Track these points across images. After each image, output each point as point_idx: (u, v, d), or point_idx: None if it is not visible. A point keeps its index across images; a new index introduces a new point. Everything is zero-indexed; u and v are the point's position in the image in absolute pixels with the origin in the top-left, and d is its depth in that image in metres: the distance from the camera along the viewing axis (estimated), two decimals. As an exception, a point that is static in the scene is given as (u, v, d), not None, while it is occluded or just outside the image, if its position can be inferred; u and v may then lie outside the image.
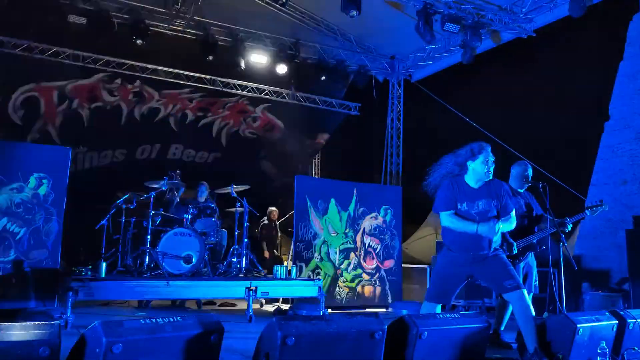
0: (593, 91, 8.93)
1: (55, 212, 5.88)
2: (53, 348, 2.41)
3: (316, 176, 13.31)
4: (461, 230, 3.75)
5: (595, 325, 3.72)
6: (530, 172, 4.95)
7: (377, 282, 7.89)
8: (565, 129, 8.92)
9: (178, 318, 2.82)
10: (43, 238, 5.80)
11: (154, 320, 2.73)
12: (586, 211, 4.88)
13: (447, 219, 3.81)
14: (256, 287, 6.06)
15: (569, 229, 4.80)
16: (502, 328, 4.75)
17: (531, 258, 4.84)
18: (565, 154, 8.96)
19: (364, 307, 7.56)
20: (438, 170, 3.94)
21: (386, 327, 3.18)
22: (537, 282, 4.88)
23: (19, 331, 2.39)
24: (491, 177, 3.84)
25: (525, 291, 3.68)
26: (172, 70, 10.26)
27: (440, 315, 3.48)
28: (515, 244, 4.58)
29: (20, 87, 9.29)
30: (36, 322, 2.47)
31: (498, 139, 8.50)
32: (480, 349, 3.62)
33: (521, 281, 4.56)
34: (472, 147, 3.83)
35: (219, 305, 7.61)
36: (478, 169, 3.79)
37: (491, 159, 3.81)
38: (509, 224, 3.86)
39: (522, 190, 4.95)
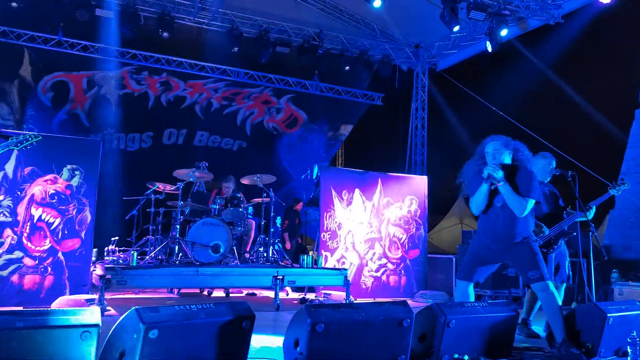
0: (623, 78, 8.75)
1: (88, 203, 6.04)
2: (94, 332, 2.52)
3: (340, 167, 13.34)
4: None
5: (626, 314, 3.70)
6: (554, 164, 4.91)
7: (403, 271, 7.91)
8: (595, 117, 8.77)
9: (211, 305, 2.89)
10: (76, 228, 5.96)
11: (187, 306, 2.81)
12: (609, 191, 4.81)
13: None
14: (283, 276, 6.15)
15: (592, 213, 4.75)
16: (531, 317, 4.74)
17: (563, 247, 4.81)
18: (594, 143, 8.82)
19: (390, 297, 7.59)
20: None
21: (414, 315, 3.21)
22: (570, 272, 4.85)
23: (62, 316, 2.50)
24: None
25: (550, 282, 3.65)
26: (198, 62, 10.38)
27: (468, 304, 3.49)
28: (548, 231, 4.59)
29: (52, 72, 9.54)
30: (78, 307, 2.57)
31: (526, 128, 8.41)
32: (508, 338, 3.63)
33: (552, 271, 4.56)
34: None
35: (245, 295, 7.73)
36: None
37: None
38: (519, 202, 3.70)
39: (546, 181, 4.93)
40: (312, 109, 11.78)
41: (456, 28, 8.71)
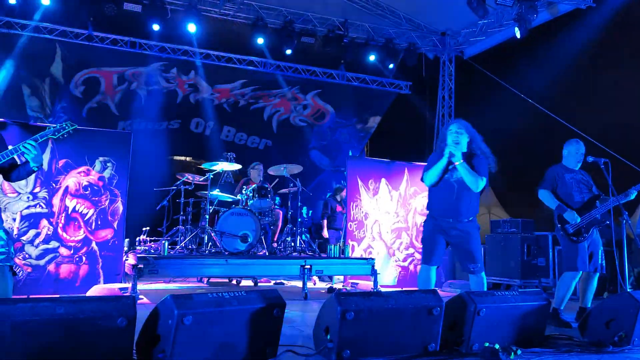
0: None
1: (120, 194, 6.18)
2: (130, 319, 2.59)
3: (366, 156, 13.30)
4: None
5: (661, 304, 3.62)
6: (583, 149, 4.85)
7: (430, 261, 7.87)
8: (628, 105, 8.54)
9: (242, 292, 2.95)
10: (109, 218, 6.11)
11: (220, 294, 2.87)
12: None
13: None
14: (311, 266, 6.19)
15: (633, 196, 4.68)
16: (562, 307, 4.68)
17: (596, 235, 4.74)
18: (629, 131, 8.59)
19: (417, 286, 7.56)
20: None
21: (444, 303, 3.21)
22: (604, 261, 4.78)
23: (107, 302, 2.58)
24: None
25: (484, 274, 4.07)
26: (224, 54, 10.45)
27: (499, 293, 3.48)
28: (578, 219, 4.54)
29: (82, 70, 9.75)
30: (114, 296, 2.65)
31: (556, 116, 8.25)
32: (540, 327, 3.60)
33: (585, 260, 4.53)
34: None
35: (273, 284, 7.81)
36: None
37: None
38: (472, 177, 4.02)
39: (576, 168, 4.86)
40: (339, 102, 11.77)
41: (484, 14, 8.56)
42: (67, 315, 2.49)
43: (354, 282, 7.41)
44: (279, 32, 9.97)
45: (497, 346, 3.11)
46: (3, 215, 3.37)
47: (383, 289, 6.58)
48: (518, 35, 9.06)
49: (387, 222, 7.69)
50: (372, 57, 10.74)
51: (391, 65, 11.24)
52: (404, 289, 6.70)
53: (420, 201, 7.92)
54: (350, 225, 7.46)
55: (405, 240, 7.77)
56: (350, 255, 7.07)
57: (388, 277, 7.54)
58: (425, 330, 3.17)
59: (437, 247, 4.17)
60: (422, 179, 4.30)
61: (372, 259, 6.72)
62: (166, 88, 10.46)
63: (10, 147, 3.16)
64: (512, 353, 3.10)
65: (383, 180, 7.74)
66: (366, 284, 7.09)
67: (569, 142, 4.98)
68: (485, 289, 4.03)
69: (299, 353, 3.11)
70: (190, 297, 2.75)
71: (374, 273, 6.52)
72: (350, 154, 11.85)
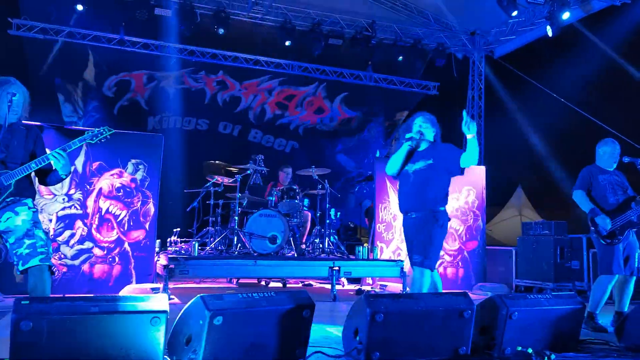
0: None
1: (151, 195, 6.29)
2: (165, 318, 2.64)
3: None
4: None
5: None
6: (618, 149, 4.73)
7: (460, 263, 7.79)
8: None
9: (272, 293, 2.96)
10: (141, 219, 6.23)
11: (250, 294, 2.89)
12: None
13: None
14: (339, 267, 6.19)
15: None
16: (598, 311, 4.57)
17: (632, 238, 4.61)
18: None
19: (447, 289, 7.49)
20: None
21: (475, 306, 3.17)
22: None
23: (133, 302, 2.63)
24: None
25: (428, 271, 3.80)
26: (252, 56, 10.55)
27: (532, 296, 3.41)
28: (609, 225, 4.44)
29: (113, 75, 9.99)
30: (151, 294, 2.70)
31: (591, 116, 8.06)
32: (574, 331, 3.52)
33: (620, 263, 4.39)
34: None
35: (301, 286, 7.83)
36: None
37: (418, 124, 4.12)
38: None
39: (611, 169, 4.74)
40: (366, 106, 11.75)
41: (514, 13, 8.42)
42: (102, 314, 2.54)
43: (383, 284, 7.37)
44: (306, 34, 10.00)
45: (530, 350, 3.06)
46: (40, 217, 3.47)
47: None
48: (550, 33, 8.88)
49: (416, 224, 7.62)
50: (400, 58, 10.68)
51: (420, 66, 11.16)
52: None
53: (450, 203, 7.80)
54: (379, 226, 7.42)
55: (434, 242, 7.68)
56: (379, 257, 7.04)
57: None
58: (455, 333, 3.13)
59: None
60: (386, 169, 4.23)
61: (401, 260, 6.68)
62: (195, 87, 10.64)
63: (47, 152, 3.25)
64: (546, 357, 3.04)
65: (412, 181, 7.67)
66: (395, 286, 7.04)
67: (603, 141, 4.86)
68: (425, 291, 3.76)
69: (328, 354, 3.11)
70: (221, 298, 2.78)
71: (403, 275, 6.47)
72: (378, 154, 11.80)
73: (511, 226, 11.81)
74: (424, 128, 4.09)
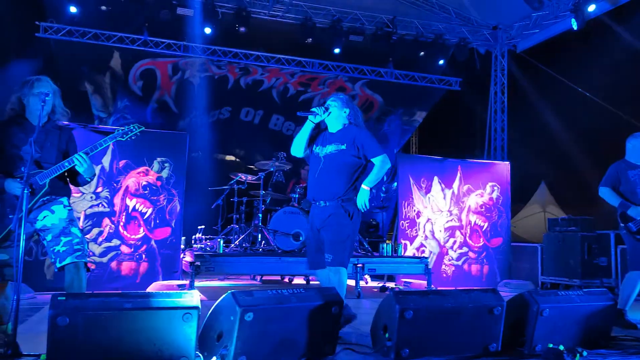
0: None
1: (177, 193, 6.36)
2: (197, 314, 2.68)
3: (414, 154, 13.16)
4: None
5: None
6: None
7: (485, 260, 7.72)
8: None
9: (301, 290, 2.97)
10: (167, 217, 6.31)
11: (279, 291, 2.91)
12: None
13: None
14: (363, 264, 6.19)
15: None
16: (628, 307, 4.50)
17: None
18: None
19: (471, 286, 7.44)
20: None
21: (505, 303, 3.14)
22: None
23: (166, 299, 2.67)
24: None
25: (343, 269, 3.56)
26: (274, 55, 10.58)
27: (563, 293, 3.37)
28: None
29: (138, 61, 10.12)
30: (180, 291, 2.73)
31: (618, 110, 7.90)
32: (606, 328, 3.48)
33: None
34: None
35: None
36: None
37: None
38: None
39: None
40: (388, 93, 11.69)
41: (539, 7, 8.29)
42: (135, 310, 2.59)
43: (407, 281, 7.35)
44: (327, 31, 9.99)
45: (561, 347, 3.02)
46: None
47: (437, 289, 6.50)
48: (575, 27, 8.73)
49: (440, 221, 7.59)
50: (421, 54, 10.61)
51: (441, 62, 11.07)
52: (457, 288, 6.60)
53: (475, 199, 7.78)
54: (402, 223, 7.40)
55: (459, 239, 7.65)
56: (402, 254, 7.01)
57: (442, 276, 7.44)
58: (485, 330, 3.11)
59: (314, 246, 3.75)
60: (290, 150, 3.93)
61: (426, 257, 6.66)
62: (218, 75, 10.73)
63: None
64: (577, 354, 3.00)
65: (435, 178, 7.64)
66: (419, 283, 7.02)
67: (633, 135, 4.76)
68: (344, 291, 3.53)
69: (357, 351, 3.11)
70: (251, 294, 2.80)
71: (427, 272, 6.45)
72: (396, 151, 11.76)
73: (535, 222, 11.67)
74: (332, 106, 3.77)
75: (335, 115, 3.78)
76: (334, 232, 3.60)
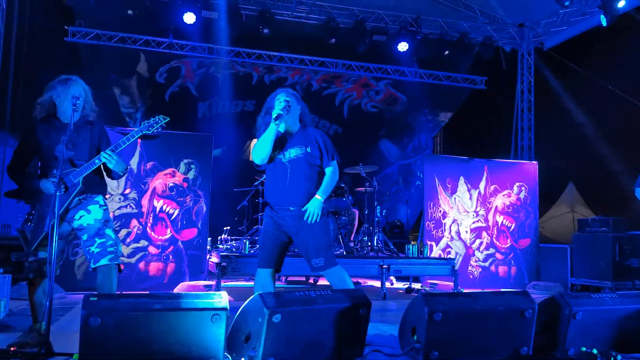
0: None
1: (203, 195, 6.42)
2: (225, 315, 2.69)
3: (439, 154, 13.04)
4: None
5: None
6: None
7: (512, 261, 7.61)
8: None
9: (329, 291, 2.97)
10: (193, 218, 6.37)
11: (307, 292, 2.91)
12: None
13: None
14: (389, 266, 6.15)
15: None
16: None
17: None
18: None
19: (499, 287, 7.33)
20: None
21: (536, 305, 3.09)
22: None
23: (195, 300, 2.69)
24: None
25: (337, 268, 3.51)
26: (297, 56, 10.60)
27: (596, 295, 3.30)
28: None
29: (164, 65, 10.32)
30: (208, 292, 2.75)
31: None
32: (641, 332, 3.38)
33: None
34: None
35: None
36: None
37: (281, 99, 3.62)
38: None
39: None
40: (412, 94, 11.64)
41: (566, 3, 8.15)
42: (164, 311, 2.61)
43: (433, 283, 7.29)
44: (350, 31, 9.97)
45: (594, 351, 2.96)
46: None
47: (464, 290, 6.42)
48: (604, 23, 8.55)
49: (466, 222, 7.50)
50: (446, 53, 10.52)
51: (466, 61, 10.96)
52: (484, 290, 6.52)
53: (502, 200, 7.67)
54: (428, 224, 7.34)
55: (485, 240, 7.55)
56: (428, 255, 6.96)
57: (468, 278, 7.35)
58: (516, 333, 3.05)
59: (273, 245, 3.62)
60: (253, 157, 3.69)
61: (452, 259, 6.60)
62: (242, 72, 10.82)
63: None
64: (612, 358, 2.93)
65: (461, 178, 7.56)
66: (445, 285, 6.94)
67: None
68: (349, 285, 3.46)
69: (385, 353, 3.09)
70: (279, 296, 2.80)
71: (454, 273, 6.38)
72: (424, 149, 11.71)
73: (563, 223, 11.46)
74: (290, 102, 3.60)
75: (293, 112, 3.65)
76: (318, 236, 3.53)
